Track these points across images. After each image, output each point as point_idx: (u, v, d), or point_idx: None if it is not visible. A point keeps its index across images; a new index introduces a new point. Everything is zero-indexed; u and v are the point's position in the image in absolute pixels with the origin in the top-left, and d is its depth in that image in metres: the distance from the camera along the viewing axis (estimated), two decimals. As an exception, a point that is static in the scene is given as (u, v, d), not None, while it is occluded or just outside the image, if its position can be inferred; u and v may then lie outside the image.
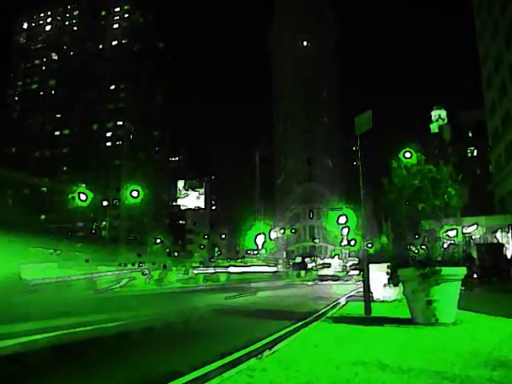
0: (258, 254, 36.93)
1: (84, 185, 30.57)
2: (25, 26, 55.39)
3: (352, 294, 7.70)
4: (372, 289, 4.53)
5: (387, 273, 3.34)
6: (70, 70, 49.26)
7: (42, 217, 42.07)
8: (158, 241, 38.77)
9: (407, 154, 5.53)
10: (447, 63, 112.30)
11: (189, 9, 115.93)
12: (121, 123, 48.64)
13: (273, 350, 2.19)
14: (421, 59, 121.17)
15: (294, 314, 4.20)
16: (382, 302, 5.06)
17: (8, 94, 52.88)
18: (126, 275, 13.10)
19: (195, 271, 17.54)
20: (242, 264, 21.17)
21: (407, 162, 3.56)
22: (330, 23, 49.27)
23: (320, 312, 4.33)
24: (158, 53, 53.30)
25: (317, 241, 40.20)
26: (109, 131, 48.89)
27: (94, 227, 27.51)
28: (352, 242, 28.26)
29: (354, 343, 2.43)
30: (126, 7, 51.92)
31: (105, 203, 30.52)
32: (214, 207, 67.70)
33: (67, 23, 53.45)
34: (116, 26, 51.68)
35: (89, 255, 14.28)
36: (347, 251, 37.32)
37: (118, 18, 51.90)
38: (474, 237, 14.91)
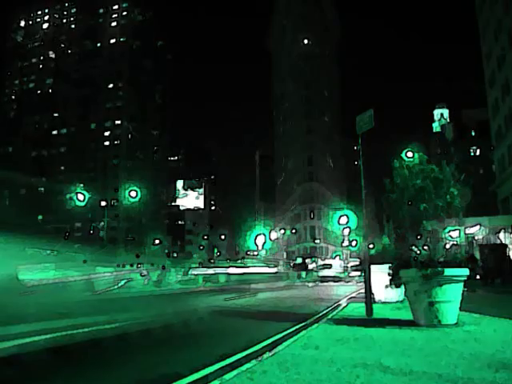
0: (258, 254, 36.77)
1: (82, 185, 30.40)
2: (22, 23, 54.87)
3: (353, 295, 7.68)
4: (373, 290, 4.49)
5: (389, 274, 3.32)
6: (68, 68, 48.96)
7: (39, 217, 41.77)
8: (157, 241, 38.65)
9: (409, 154, 5.46)
10: (450, 61, 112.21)
11: (188, 7, 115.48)
12: (119, 122, 48.29)
13: (273, 351, 2.19)
14: (422, 57, 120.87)
15: (295, 316, 4.18)
16: (384, 303, 5.04)
17: (5, 92, 52.33)
18: (125, 276, 13.02)
19: (194, 272, 17.48)
20: (242, 265, 20.99)
21: (409, 162, 3.54)
22: (332, 21, 49.11)
23: (321, 313, 4.29)
24: (157, 51, 52.92)
25: (317, 241, 40.02)
26: (107, 130, 48.53)
27: (91, 228, 27.36)
28: (353, 243, 28.18)
29: (355, 345, 2.41)
30: (124, 5, 51.57)
31: (103, 203, 30.32)
32: (213, 207, 67.47)
33: (65, 21, 53.00)
34: (114, 23, 51.25)
35: (87, 256, 14.20)
36: (348, 252, 37.24)
37: (116, 15, 51.46)
38: (476, 237, 14.89)
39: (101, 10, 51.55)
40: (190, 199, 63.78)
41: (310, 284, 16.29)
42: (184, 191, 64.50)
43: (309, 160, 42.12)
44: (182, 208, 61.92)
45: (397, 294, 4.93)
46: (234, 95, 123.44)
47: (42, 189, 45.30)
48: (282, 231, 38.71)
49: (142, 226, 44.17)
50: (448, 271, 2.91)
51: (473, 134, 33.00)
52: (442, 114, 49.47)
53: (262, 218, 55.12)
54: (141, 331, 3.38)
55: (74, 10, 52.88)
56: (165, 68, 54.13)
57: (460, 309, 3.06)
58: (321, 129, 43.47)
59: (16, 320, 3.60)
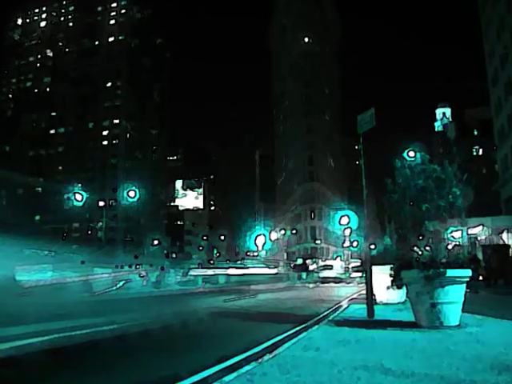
0: (258, 255, 36.67)
1: (80, 185, 30.21)
2: (19, 21, 54.35)
3: (354, 296, 7.65)
4: (375, 291, 4.48)
5: (390, 275, 3.29)
6: (66, 67, 48.55)
7: (37, 217, 41.44)
8: (156, 242, 38.63)
9: (411, 153, 5.44)
10: (451, 60, 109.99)
11: (187, 4, 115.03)
12: (117, 121, 47.93)
13: (273, 353, 2.18)
14: (424, 56, 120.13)
15: (295, 317, 4.16)
16: (385, 304, 5.01)
17: (2, 91, 51.91)
18: (123, 277, 13.01)
19: (194, 273, 17.35)
20: (242, 266, 20.88)
21: (411, 161, 3.53)
22: (332, 20, 48.88)
23: (321, 315, 4.27)
24: (156, 49, 52.58)
25: (318, 242, 39.80)
26: (105, 130, 48.21)
27: (89, 228, 27.11)
28: (354, 243, 28.10)
29: (356, 347, 2.39)
30: (123, 3, 51.18)
31: (101, 203, 30.16)
32: (212, 208, 67.17)
33: (62, 19, 52.55)
34: (113, 21, 50.84)
35: (85, 257, 14.02)
36: (349, 253, 36.88)
37: (114, 13, 51.03)
38: (479, 238, 14.77)
39: (99, 8, 51.14)
40: (190, 199, 63.53)
41: (311, 285, 16.26)
42: (183, 191, 64.29)
43: (309, 159, 41.89)
44: (181, 208, 61.68)
45: (398, 295, 4.89)
46: (233, 94, 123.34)
47: (40, 189, 45.02)
48: (283, 232, 38.56)
49: (141, 226, 44.04)
50: (450, 272, 2.89)
51: (475, 133, 32.46)
52: (444, 113, 48.46)
53: (262, 218, 55.04)
54: (140, 333, 3.35)
55: (71, 8, 52.44)
56: (164, 66, 53.81)
57: (462, 310, 3.04)
58: (321, 128, 43.26)
59: (14, 321, 3.57)
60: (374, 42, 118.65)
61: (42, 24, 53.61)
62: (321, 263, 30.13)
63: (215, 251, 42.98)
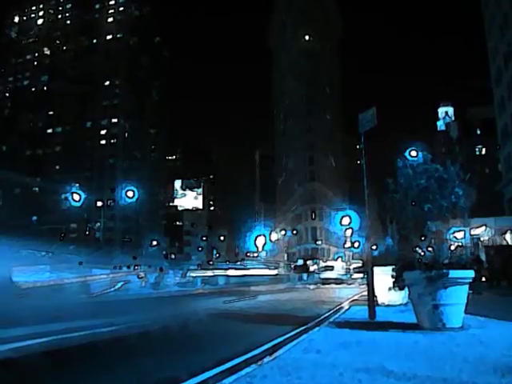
0: (258, 256, 36.38)
1: (77, 184, 29.98)
2: (16, 19, 53.80)
3: (356, 297, 7.57)
4: (376, 292, 4.45)
5: (392, 276, 3.27)
6: (63, 65, 48.14)
7: (34, 218, 41.12)
8: (155, 243, 38.25)
9: (413, 153, 5.39)
10: (454, 58, 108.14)
11: (186, 2, 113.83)
12: (116, 121, 47.64)
13: (273, 355, 2.16)
14: (426, 55, 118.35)
15: (296, 319, 4.13)
16: (387, 306, 4.99)
17: (-2, 90, 51.80)
18: (121, 278, 12.88)
19: (193, 274, 17.28)
20: (242, 267, 20.79)
21: (413, 161, 3.51)
22: (333, 17, 48.51)
23: (322, 317, 4.26)
24: (155, 48, 52.19)
25: (319, 242, 39.66)
26: (103, 129, 47.85)
27: (87, 229, 26.97)
28: (356, 244, 28.02)
29: (357, 349, 2.37)
30: (121, 0, 50.73)
31: (99, 204, 29.96)
32: (212, 208, 66.87)
33: (60, 17, 52.04)
34: (111, 19, 50.39)
35: (82, 257, 14.01)
36: (351, 253, 36.87)
37: (112, 11, 50.58)
38: (482, 238, 14.68)
39: (97, 6, 50.65)
40: (189, 199, 63.12)
41: (312, 286, 16.11)
42: (182, 191, 63.89)
43: (310, 159, 41.74)
44: (180, 208, 61.35)
45: (400, 296, 4.86)
46: (233, 93, 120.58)
47: (37, 188, 44.65)
48: (283, 232, 38.35)
49: (140, 226, 43.83)
50: (453, 273, 2.87)
51: (478, 132, 32.16)
52: (446, 112, 48.57)
53: (262, 218, 54.82)
54: (139, 334, 3.32)
55: (69, 6, 51.86)
56: (162, 65, 53.45)
57: (465, 312, 3.02)
58: (322, 127, 43.04)
59: (10, 323, 3.53)
60: (376, 40, 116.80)
61: (40, 22, 53.07)
62: (322, 264, 29.97)
63: (215, 252, 42.85)
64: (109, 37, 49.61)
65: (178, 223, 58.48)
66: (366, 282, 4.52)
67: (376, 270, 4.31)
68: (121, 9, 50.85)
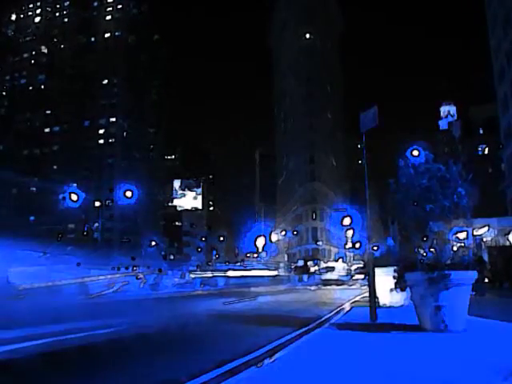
0: (258, 257, 36.27)
1: (75, 184, 29.58)
2: (13, 17, 53.40)
3: (357, 299, 7.44)
4: (378, 294, 4.33)
5: (394, 277, 3.18)
6: (61, 63, 47.76)
7: (31, 218, 40.71)
8: (153, 243, 37.92)
9: (415, 152, 5.33)
10: (456, 56, 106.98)
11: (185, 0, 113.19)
12: (114, 120, 47.30)
13: (273, 358, 2.11)
14: (428, 53, 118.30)
15: (296, 321, 4.03)
16: (389, 307, 4.88)
17: (-5, 89, 51.35)
18: (120, 279, 12.62)
19: (192, 275, 17.37)
20: (242, 268, 20.62)
21: (415, 161, 3.34)
22: (334, 15, 48.34)
23: (323, 318, 4.16)
24: (154, 46, 51.90)
25: (320, 243, 39.60)
26: (101, 128, 47.50)
27: (85, 229, 26.53)
28: (357, 245, 28.02)
29: (358, 350, 2.29)
30: (119, -2, 50.83)
31: (97, 204, 29.50)
32: (211, 208, 67.01)
33: (57, 15, 51.73)
34: (109, 17, 50.05)
35: (80, 258, 13.61)
36: (352, 254, 36.77)
37: (110, 9, 50.30)
38: (485, 239, 14.66)
39: (95, 3, 50.37)
40: (188, 199, 63.13)
41: (312, 287, 16.17)
42: (181, 191, 63.96)
43: (310, 159, 41.62)
44: (179, 209, 61.24)
45: (402, 297, 4.81)
46: (233, 92, 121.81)
47: (35, 188, 44.25)
48: (283, 233, 38.27)
49: (138, 227, 43.41)
50: (455, 274, 2.76)
51: (481, 131, 32.46)
52: (448, 111, 48.49)
53: (262, 218, 54.46)
54: (137, 336, 3.26)
55: (67, 4, 51.62)
56: (161, 63, 53.20)
57: (468, 313, 2.91)
58: (323, 126, 42.86)
59: (8, 324, 3.45)
60: (377, 38, 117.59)
61: (37, 20, 52.72)
62: (322, 265, 30.36)
63: (214, 253, 42.48)
64: (107, 35, 49.22)
65: (177, 223, 58.32)
66: (367, 283, 4.32)
67: (377, 271, 4.17)
68: (119, 6, 50.49)
